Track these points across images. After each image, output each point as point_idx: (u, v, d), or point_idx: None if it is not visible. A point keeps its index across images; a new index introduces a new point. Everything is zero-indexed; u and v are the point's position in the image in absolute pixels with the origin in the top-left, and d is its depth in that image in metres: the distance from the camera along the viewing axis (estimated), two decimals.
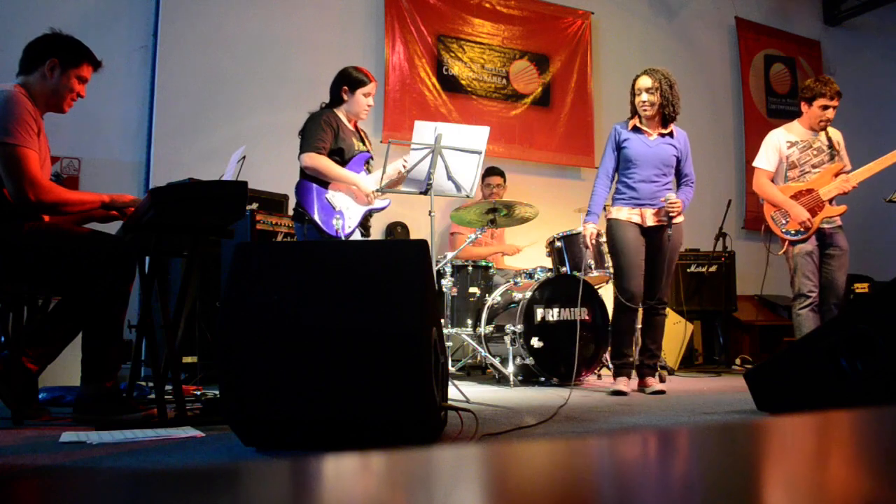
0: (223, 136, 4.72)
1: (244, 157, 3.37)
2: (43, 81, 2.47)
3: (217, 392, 2.78)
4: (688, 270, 5.75)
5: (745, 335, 5.97)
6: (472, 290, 4.36)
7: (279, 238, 3.92)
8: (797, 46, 7.34)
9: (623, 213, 3.51)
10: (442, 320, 4.00)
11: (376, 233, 5.16)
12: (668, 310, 5.37)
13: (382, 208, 3.46)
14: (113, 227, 2.74)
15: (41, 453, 1.85)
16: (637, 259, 3.46)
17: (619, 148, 3.56)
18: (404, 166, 3.35)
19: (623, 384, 3.44)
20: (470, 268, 4.38)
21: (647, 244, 3.52)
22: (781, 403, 2.50)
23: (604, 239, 3.81)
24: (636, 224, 3.49)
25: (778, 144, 3.77)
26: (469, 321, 4.32)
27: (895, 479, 0.44)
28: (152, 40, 4.71)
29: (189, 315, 3.67)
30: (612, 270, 3.81)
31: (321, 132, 3.24)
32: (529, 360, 3.87)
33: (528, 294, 3.95)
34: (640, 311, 3.59)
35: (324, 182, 3.26)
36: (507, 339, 3.93)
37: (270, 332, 1.78)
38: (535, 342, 3.91)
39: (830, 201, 3.63)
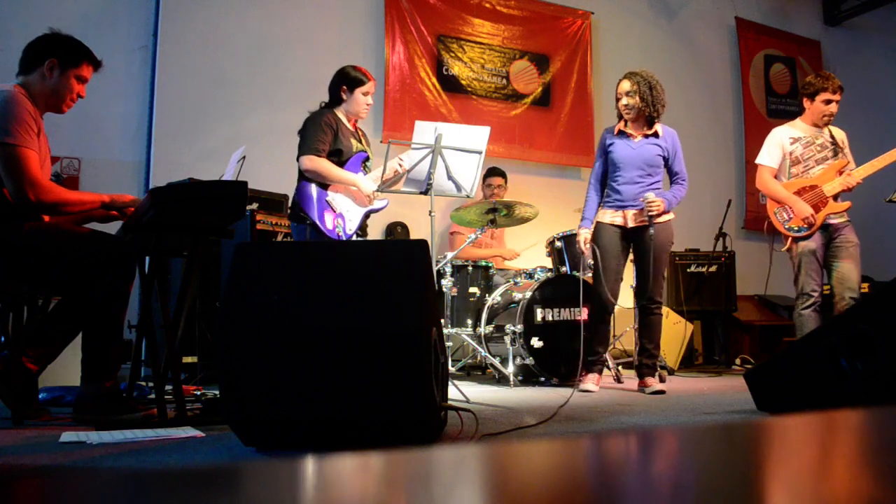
0: (223, 136, 4.72)
1: (244, 157, 3.37)
2: (42, 81, 2.47)
3: (217, 392, 2.78)
4: (688, 270, 5.75)
5: (745, 335, 5.97)
6: (472, 290, 4.36)
7: (279, 238, 3.92)
8: (797, 46, 7.34)
9: (607, 216, 3.61)
10: (442, 320, 4.00)
11: (376, 233, 5.16)
12: (667, 310, 5.41)
13: (381, 208, 3.46)
14: (113, 227, 2.74)
15: (41, 453, 1.85)
16: (613, 263, 3.56)
17: (605, 153, 3.66)
18: (400, 165, 3.35)
19: (591, 381, 3.53)
20: (470, 268, 4.38)
21: (634, 245, 3.61)
22: (781, 403, 2.50)
23: None
24: (619, 226, 3.58)
25: (781, 141, 3.75)
26: (469, 321, 4.32)
27: (895, 480, 0.44)
28: (152, 40, 4.71)
29: (189, 315, 3.67)
30: None
31: (321, 133, 3.23)
32: (529, 360, 3.87)
33: (528, 294, 3.95)
34: (636, 311, 3.64)
35: (323, 184, 3.25)
36: (507, 339, 3.93)
37: (270, 332, 1.78)
38: (535, 342, 3.91)
39: (834, 198, 3.61)
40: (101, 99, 4.33)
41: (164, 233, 2.39)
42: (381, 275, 1.84)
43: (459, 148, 3.32)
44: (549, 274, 4.17)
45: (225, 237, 2.54)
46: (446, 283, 4.19)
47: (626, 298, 4.30)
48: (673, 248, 5.85)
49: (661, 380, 3.97)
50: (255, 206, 3.97)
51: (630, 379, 3.93)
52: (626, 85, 3.57)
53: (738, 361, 5.58)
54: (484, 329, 4.16)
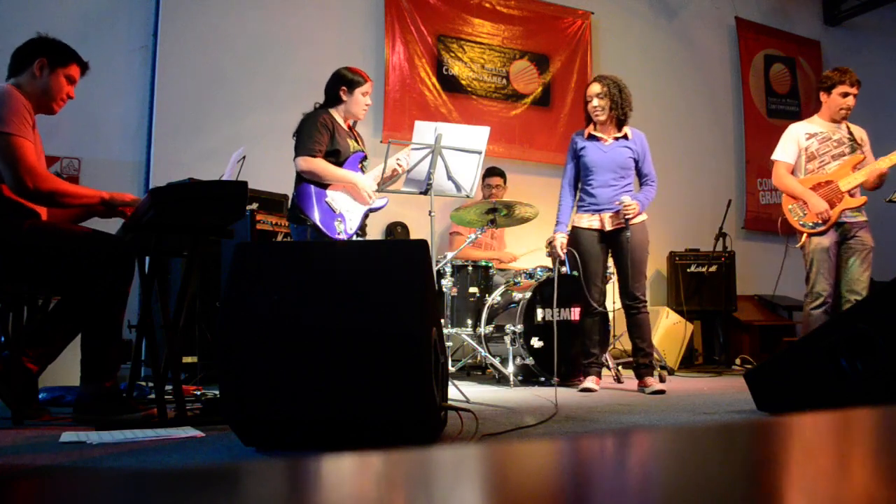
0: (223, 136, 4.72)
1: (244, 157, 3.37)
2: (33, 81, 2.50)
3: (217, 392, 2.78)
4: (688, 270, 5.75)
5: (745, 335, 5.97)
6: (472, 290, 4.36)
7: (279, 238, 3.92)
8: (797, 46, 7.33)
9: (584, 220, 3.68)
10: (442, 320, 4.00)
11: (376, 233, 5.16)
12: (667, 310, 5.41)
13: (381, 207, 3.46)
14: (113, 227, 2.74)
15: (41, 453, 1.85)
16: (596, 266, 3.65)
17: (577, 157, 3.71)
18: (398, 164, 3.35)
19: (592, 382, 3.57)
20: (470, 268, 4.38)
21: (612, 248, 3.67)
22: (781, 403, 2.50)
23: None
24: (596, 230, 3.64)
25: (797, 136, 3.74)
26: (469, 321, 4.32)
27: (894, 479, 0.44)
28: (152, 40, 4.71)
29: (189, 315, 3.67)
30: (611, 271, 3.89)
31: (317, 134, 3.22)
32: (529, 360, 3.87)
33: (528, 294, 3.95)
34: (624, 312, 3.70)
35: (322, 184, 3.25)
36: (507, 339, 3.93)
37: (270, 332, 1.78)
38: (535, 342, 3.91)
39: (850, 193, 3.59)
40: (101, 99, 4.34)
41: (164, 233, 2.39)
42: (381, 275, 1.84)
43: (459, 148, 3.32)
44: (549, 274, 4.17)
45: (225, 237, 2.54)
46: (446, 283, 4.19)
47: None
48: (673, 248, 5.90)
49: (661, 380, 3.97)
50: (255, 206, 3.97)
51: (630, 379, 3.93)
52: (596, 87, 3.64)
53: (738, 361, 5.58)
54: (484, 329, 4.16)
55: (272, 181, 4.23)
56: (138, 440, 1.98)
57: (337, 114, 3.38)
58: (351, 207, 3.32)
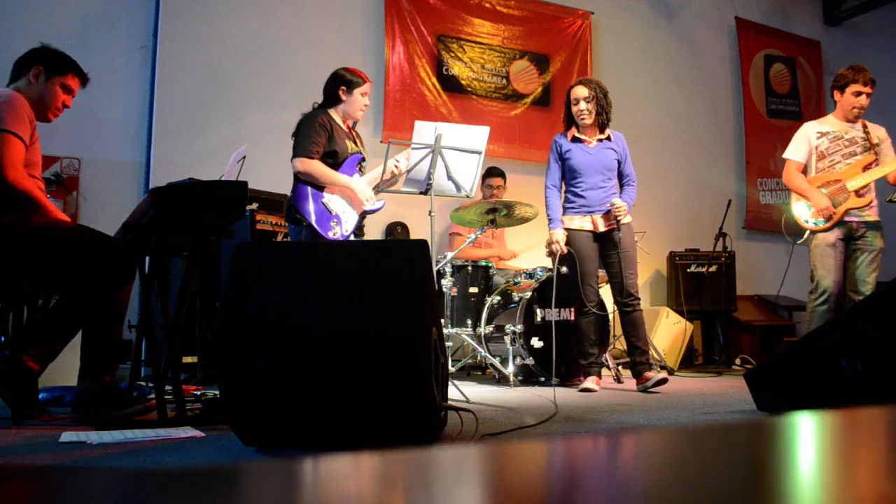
0: (223, 136, 4.72)
1: (244, 157, 3.37)
2: (30, 87, 2.54)
3: (217, 392, 2.78)
4: (688, 270, 5.75)
5: (745, 335, 5.97)
6: (472, 290, 4.36)
7: (279, 238, 3.92)
8: (797, 46, 7.33)
9: (575, 221, 3.71)
10: (442, 320, 4.00)
11: (376, 233, 5.16)
12: (668, 310, 5.41)
13: (378, 209, 3.46)
14: (113, 227, 2.74)
15: (41, 453, 1.85)
16: (591, 267, 3.69)
17: (562, 159, 3.74)
18: (396, 166, 3.35)
19: (591, 382, 3.58)
20: (470, 268, 4.37)
21: (602, 248, 3.71)
22: (781, 403, 2.50)
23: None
24: (589, 231, 3.68)
25: (808, 135, 3.74)
26: (469, 321, 4.32)
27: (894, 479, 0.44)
28: (152, 40, 4.71)
29: (189, 315, 3.67)
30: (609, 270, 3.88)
31: (315, 135, 3.22)
32: (529, 360, 3.87)
33: (528, 294, 3.95)
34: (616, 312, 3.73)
35: (319, 185, 3.24)
36: (507, 339, 3.93)
37: (270, 332, 1.78)
38: (535, 342, 3.91)
39: (858, 193, 3.57)
40: (101, 99, 4.33)
41: (164, 233, 2.39)
42: (381, 275, 1.84)
43: (459, 148, 3.32)
44: (549, 274, 4.16)
45: (225, 237, 2.54)
46: (446, 283, 4.19)
47: None
48: (673, 248, 5.90)
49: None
50: (255, 206, 3.96)
51: (630, 379, 3.92)
52: (583, 91, 3.69)
53: (738, 361, 5.58)
54: (484, 329, 4.16)
55: (272, 181, 4.23)
56: (138, 440, 1.98)
57: (335, 114, 3.37)
58: (347, 209, 3.31)
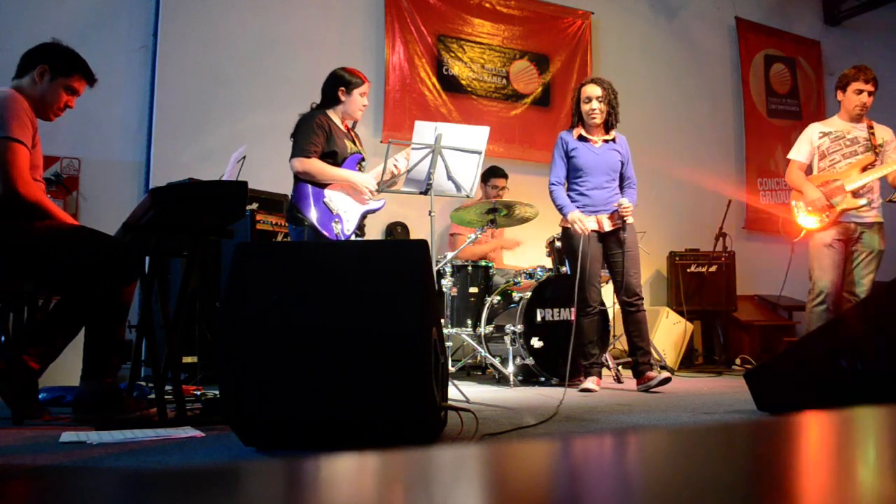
0: (223, 136, 4.72)
1: (244, 157, 3.37)
2: (33, 86, 2.51)
3: (217, 392, 2.78)
4: (688, 270, 5.75)
5: (745, 335, 5.97)
6: (472, 290, 4.36)
7: (279, 238, 3.92)
8: (797, 46, 7.33)
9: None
10: (442, 320, 4.00)
11: (376, 233, 5.16)
12: (668, 310, 5.41)
13: (378, 208, 3.46)
14: (113, 227, 2.74)
15: (41, 453, 1.85)
16: (595, 267, 3.65)
17: (568, 156, 3.70)
18: (395, 166, 3.35)
19: (592, 382, 3.57)
20: (470, 268, 4.38)
21: (607, 248, 3.67)
22: (781, 403, 2.50)
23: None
24: (594, 231, 3.64)
25: (811, 135, 3.75)
26: (469, 321, 4.32)
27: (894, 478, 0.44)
28: (152, 40, 4.71)
29: (189, 315, 3.67)
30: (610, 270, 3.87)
31: (313, 135, 3.22)
32: (529, 360, 3.87)
33: (528, 294, 3.95)
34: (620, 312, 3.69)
35: (320, 184, 3.24)
36: (507, 339, 3.93)
37: (270, 332, 1.78)
38: (535, 342, 3.91)
39: (856, 194, 3.57)
40: (101, 99, 4.33)
41: (164, 233, 2.39)
42: (381, 275, 1.84)
43: (459, 148, 3.32)
44: (549, 274, 4.17)
45: (225, 237, 2.54)
46: (446, 283, 4.19)
47: None
48: (673, 248, 5.90)
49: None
50: (255, 206, 3.97)
51: (631, 379, 3.92)
52: (596, 90, 3.64)
53: (738, 361, 5.58)
54: (484, 329, 4.16)
55: (272, 181, 4.23)
56: (138, 440, 1.98)
57: (334, 115, 3.37)
58: (349, 208, 3.31)
